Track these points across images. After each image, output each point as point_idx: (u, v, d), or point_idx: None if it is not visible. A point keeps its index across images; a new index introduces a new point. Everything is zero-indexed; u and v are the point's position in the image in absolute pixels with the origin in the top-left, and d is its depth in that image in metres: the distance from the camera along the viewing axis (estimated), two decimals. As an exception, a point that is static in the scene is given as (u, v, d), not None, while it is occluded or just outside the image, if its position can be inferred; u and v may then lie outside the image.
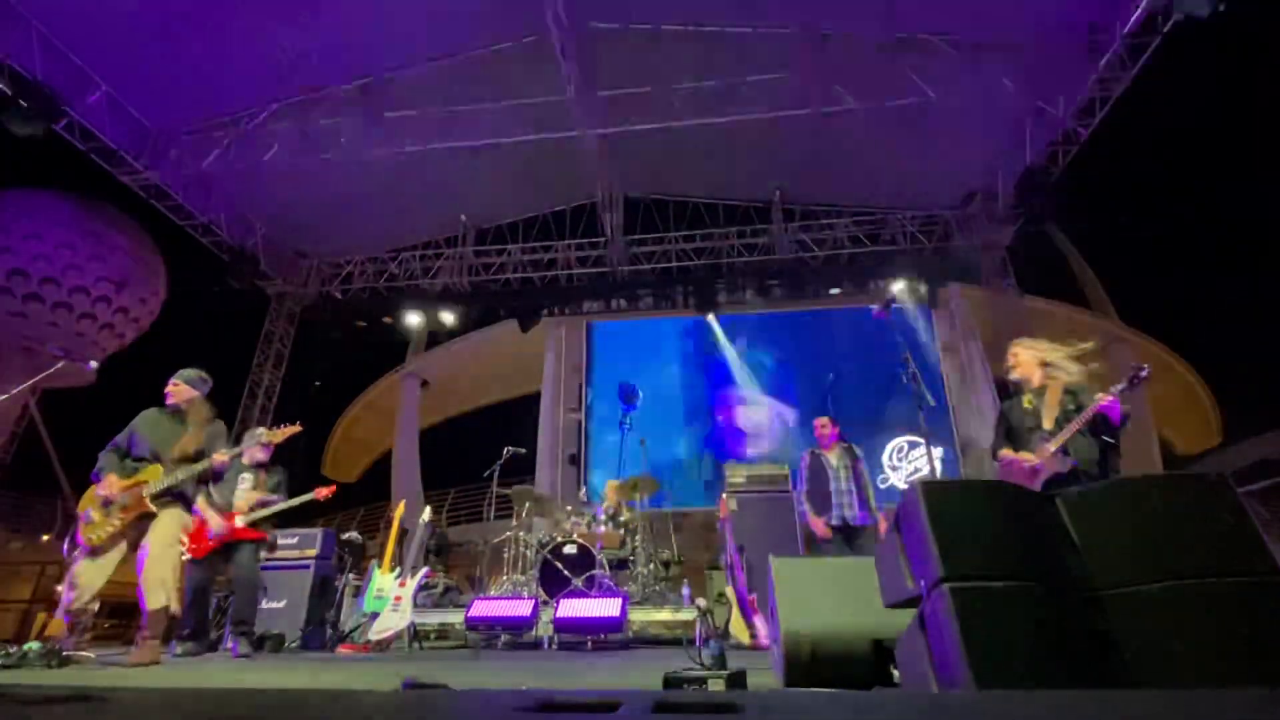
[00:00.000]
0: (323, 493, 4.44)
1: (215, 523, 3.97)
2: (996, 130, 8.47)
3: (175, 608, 3.29)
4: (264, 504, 4.21)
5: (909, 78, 7.41)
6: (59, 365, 3.77)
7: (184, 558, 3.48)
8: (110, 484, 3.24)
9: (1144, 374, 2.72)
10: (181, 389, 3.60)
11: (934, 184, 9.81)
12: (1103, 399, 2.77)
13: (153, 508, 3.26)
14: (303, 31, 7.45)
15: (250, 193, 9.59)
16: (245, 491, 4.21)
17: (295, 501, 4.26)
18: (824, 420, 5.00)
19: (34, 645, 2.82)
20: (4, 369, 10.36)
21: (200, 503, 3.99)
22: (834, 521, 4.58)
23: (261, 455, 4.37)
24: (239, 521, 4.03)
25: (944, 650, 1.23)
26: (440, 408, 15.09)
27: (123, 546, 3.27)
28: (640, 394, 6.69)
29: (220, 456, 3.46)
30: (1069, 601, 1.31)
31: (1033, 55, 7.33)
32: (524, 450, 6.97)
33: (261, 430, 4.40)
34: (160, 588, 3.18)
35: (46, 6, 6.82)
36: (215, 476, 3.63)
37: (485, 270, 10.95)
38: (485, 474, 6.54)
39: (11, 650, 2.74)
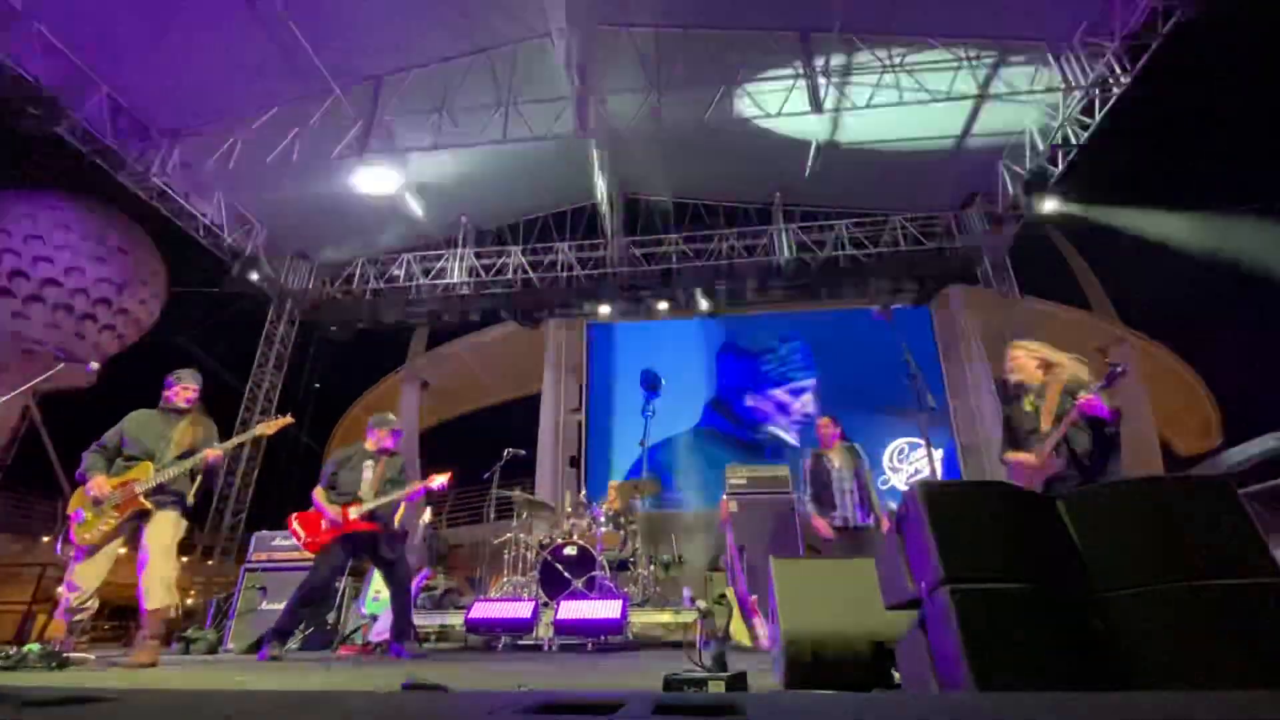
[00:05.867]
0: (437, 480, 4.24)
1: (330, 513, 3.90)
2: (997, 131, 8.48)
3: (175, 609, 3.29)
4: (382, 493, 4.07)
5: (909, 78, 7.43)
6: (59, 367, 3.76)
7: (182, 559, 3.46)
8: (99, 484, 3.22)
9: (1120, 370, 2.73)
10: (193, 389, 3.61)
11: (934, 185, 9.82)
12: (1083, 398, 2.78)
13: (148, 504, 3.25)
14: (304, 32, 7.46)
15: (251, 194, 9.60)
16: (369, 480, 4.09)
17: (409, 490, 4.08)
18: (826, 420, 4.97)
19: (34, 647, 2.83)
20: (4, 370, 10.36)
21: (318, 494, 4.01)
22: (837, 522, 4.57)
23: (388, 442, 4.24)
24: (353, 514, 3.92)
25: (945, 652, 1.23)
26: (440, 409, 15.11)
27: (118, 545, 3.27)
28: (663, 381, 6.43)
29: (213, 452, 3.46)
30: (1070, 603, 1.31)
31: (1032, 56, 7.35)
32: (524, 452, 6.97)
33: (389, 415, 4.35)
34: (161, 589, 3.18)
35: (48, 8, 6.83)
36: (208, 473, 3.61)
37: (486, 271, 10.95)
38: (485, 475, 6.55)
39: (11, 652, 2.74)
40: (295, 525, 4.01)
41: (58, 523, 12.21)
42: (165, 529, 3.28)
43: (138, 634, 3.16)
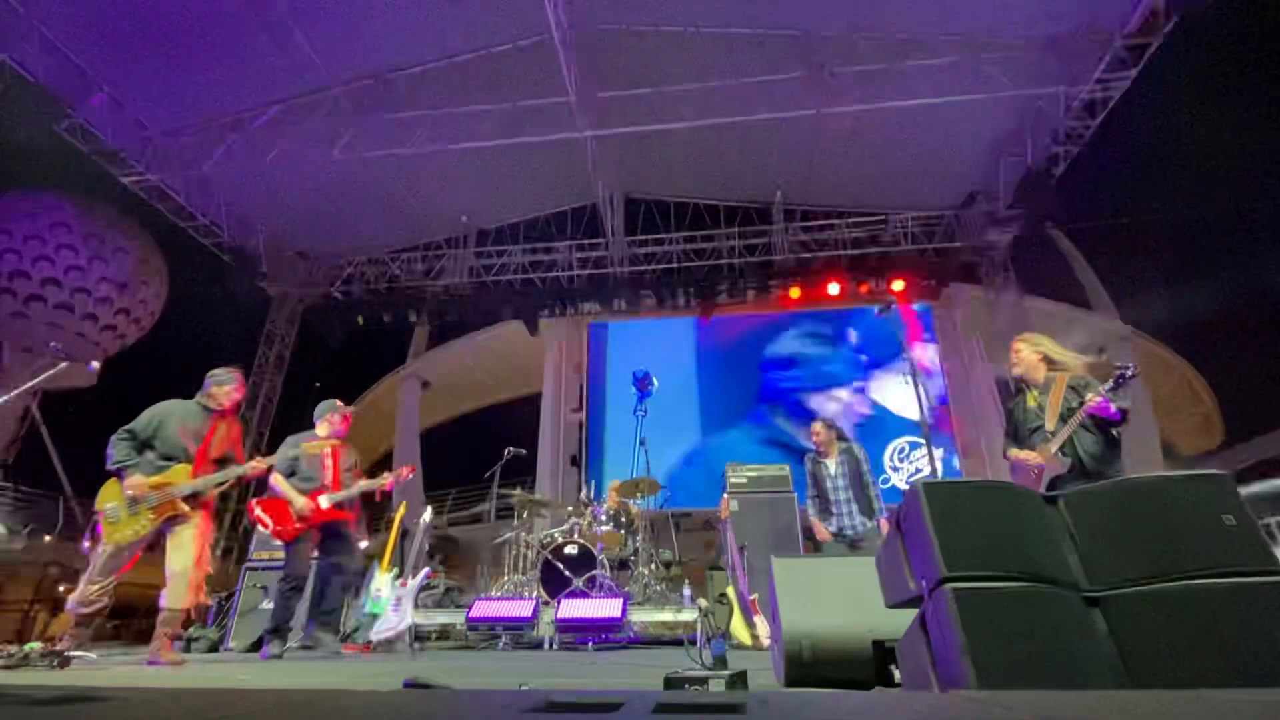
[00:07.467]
0: (404, 473, 4.22)
1: (300, 503, 3.73)
2: (997, 131, 8.48)
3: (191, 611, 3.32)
4: (343, 482, 3.98)
5: (909, 78, 7.42)
6: (61, 366, 3.75)
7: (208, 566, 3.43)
8: (137, 484, 3.13)
9: (1130, 373, 2.71)
10: (241, 393, 3.56)
11: (935, 185, 9.81)
12: (1092, 401, 2.77)
13: (185, 509, 3.22)
14: (304, 33, 7.46)
15: (251, 194, 9.61)
16: (330, 468, 3.96)
17: (377, 483, 4.04)
18: (818, 426, 4.84)
19: (35, 646, 2.83)
20: (6, 370, 10.37)
21: (278, 480, 3.82)
22: (833, 529, 4.57)
23: (341, 429, 4.16)
24: (325, 503, 3.79)
25: (945, 650, 1.23)
26: (441, 408, 15.11)
27: (142, 546, 3.26)
28: (655, 381, 6.40)
29: (259, 465, 3.45)
30: (1070, 601, 1.31)
31: (1033, 55, 7.34)
32: (525, 451, 6.97)
33: (337, 401, 4.25)
34: (189, 590, 3.17)
35: (49, 8, 6.83)
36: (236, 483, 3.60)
37: (486, 271, 10.95)
38: (486, 474, 6.54)
39: (13, 651, 2.74)
40: (260, 512, 3.77)
41: (60, 522, 12.21)
42: (201, 532, 3.26)
43: (159, 630, 3.13)
